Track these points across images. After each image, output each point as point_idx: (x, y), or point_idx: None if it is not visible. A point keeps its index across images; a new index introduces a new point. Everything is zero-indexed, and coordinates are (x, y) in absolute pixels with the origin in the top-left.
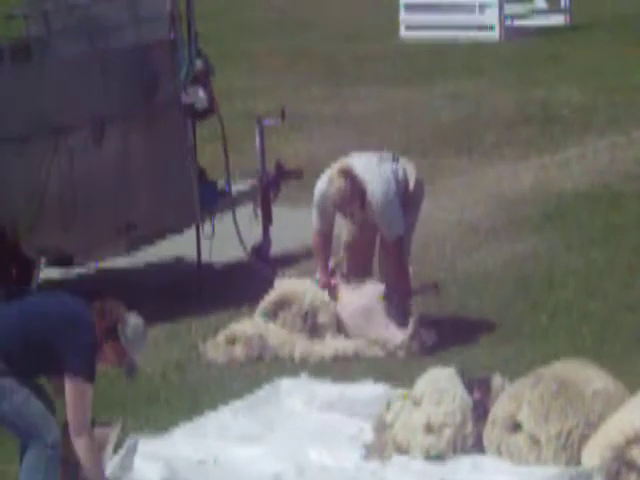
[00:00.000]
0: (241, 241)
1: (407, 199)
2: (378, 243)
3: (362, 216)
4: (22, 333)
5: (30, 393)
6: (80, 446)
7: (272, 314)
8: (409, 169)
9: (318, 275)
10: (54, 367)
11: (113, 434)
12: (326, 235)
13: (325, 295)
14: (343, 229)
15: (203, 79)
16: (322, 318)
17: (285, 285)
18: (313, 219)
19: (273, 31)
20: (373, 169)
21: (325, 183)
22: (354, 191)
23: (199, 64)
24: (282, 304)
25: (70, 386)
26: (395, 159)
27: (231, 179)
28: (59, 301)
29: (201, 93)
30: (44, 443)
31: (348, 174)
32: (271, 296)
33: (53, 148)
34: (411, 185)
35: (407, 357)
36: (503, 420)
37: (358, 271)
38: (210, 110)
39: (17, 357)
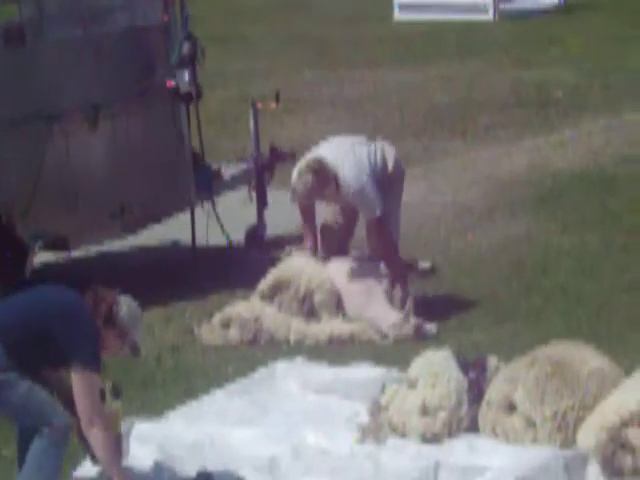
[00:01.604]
0: (222, 230)
1: (387, 179)
2: (365, 225)
3: (338, 199)
4: (25, 323)
5: (33, 383)
6: (94, 436)
7: (269, 297)
8: (387, 149)
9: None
10: (56, 358)
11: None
12: (308, 205)
13: (321, 275)
14: (324, 209)
15: (189, 62)
16: (318, 298)
17: (282, 268)
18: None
19: (267, 14)
20: (345, 153)
21: (296, 176)
22: (323, 183)
23: (186, 47)
24: (279, 287)
25: (78, 377)
26: (370, 141)
27: (225, 162)
28: (58, 292)
29: (186, 77)
30: (53, 428)
31: (315, 168)
32: (267, 280)
33: (47, 132)
34: (390, 165)
35: (399, 339)
36: (498, 401)
37: (334, 252)
38: (193, 94)
39: (20, 348)
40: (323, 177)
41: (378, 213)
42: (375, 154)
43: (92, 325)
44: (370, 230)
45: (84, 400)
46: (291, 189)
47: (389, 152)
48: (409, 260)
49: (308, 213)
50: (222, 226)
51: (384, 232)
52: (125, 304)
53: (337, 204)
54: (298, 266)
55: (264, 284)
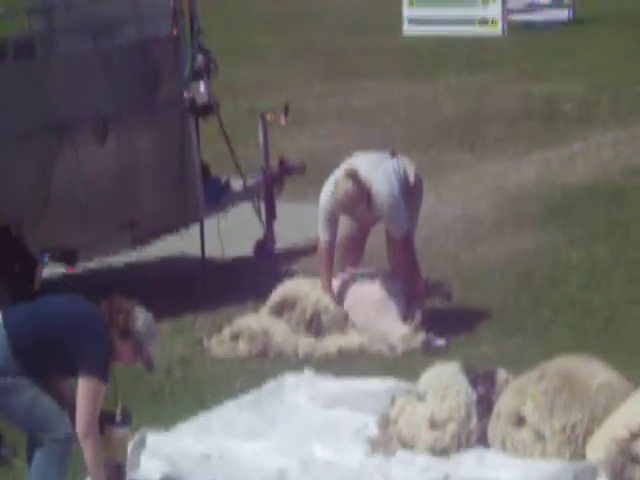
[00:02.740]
0: (262, 222)
1: (408, 194)
2: (385, 240)
3: (368, 216)
4: (35, 331)
5: (41, 391)
6: (87, 446)
7: (277, 313)
8: (407, 164)
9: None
10: (65, 367)
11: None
12: (331, 245)
13: (326, 299)
14: (340, 226)
15: (204, 75)
16: (325, 320)
17: (289, 286)
18: (320, 229)
19: (276, 24)
20: (376, 169)
21: (331, 187)
22: (360, 192)
23: (200, 60)
24: (286, 304)
25: (85, 385)
26: (393, 155)
27: (236, 174)
28: (71, 301)
29: (202, 88)
30: (56, 439)
31: (354, 176)
32: (275, 296)
33: (57, 145)
34: (411, 179)
35: (407, 352)
36: (507, 415)
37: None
38: (209, 106)
39: (29, 354)
40: (361, 187)
41: (406, 229)
42: (399, 170)
43: (104, 336)
44: (393, 246)
45: (85, 408)
46: (329, 200)
47: (410, 168)
48: (436, 283)
49: (329, 257)
50: (260, 214)
51: (408, 249)
52: (142, 316)
53: (361, 220)
54: (303, 289)
55: (272, 300)
